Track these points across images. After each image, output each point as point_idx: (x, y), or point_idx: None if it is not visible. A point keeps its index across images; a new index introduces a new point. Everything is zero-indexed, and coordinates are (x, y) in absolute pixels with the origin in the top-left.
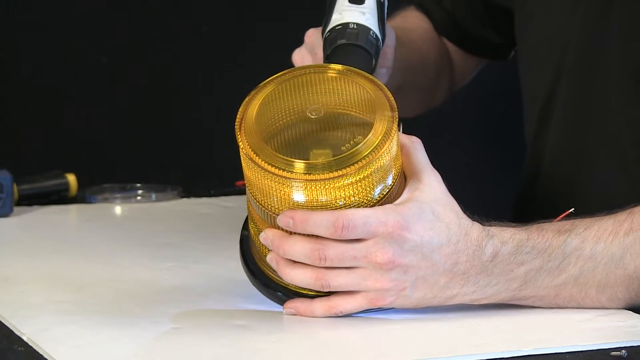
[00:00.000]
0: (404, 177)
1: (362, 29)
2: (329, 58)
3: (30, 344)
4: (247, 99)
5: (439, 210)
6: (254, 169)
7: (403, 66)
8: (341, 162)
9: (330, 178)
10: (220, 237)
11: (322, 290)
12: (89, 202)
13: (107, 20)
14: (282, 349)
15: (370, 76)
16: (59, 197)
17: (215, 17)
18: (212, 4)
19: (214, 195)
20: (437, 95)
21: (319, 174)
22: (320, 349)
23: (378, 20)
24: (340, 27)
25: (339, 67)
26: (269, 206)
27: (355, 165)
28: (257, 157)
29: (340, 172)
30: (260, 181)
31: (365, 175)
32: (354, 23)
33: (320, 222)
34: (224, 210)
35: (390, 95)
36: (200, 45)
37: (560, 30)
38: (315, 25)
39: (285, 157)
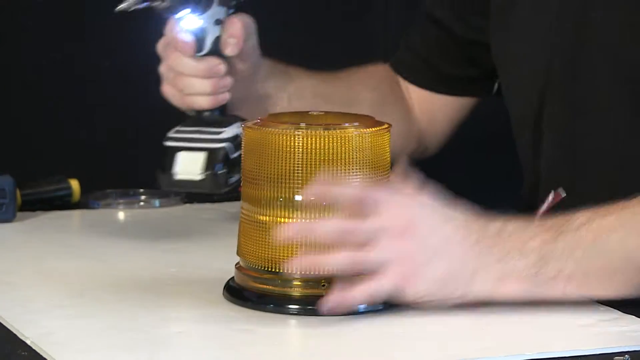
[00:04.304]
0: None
1: None
2: None
3: (33, 347)
4: None
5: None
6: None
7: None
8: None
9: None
10: (223, 242)
11: (357, 269)
12: (92, 208)
13: (109, 23)
14: (285, 354)
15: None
16: (62, 202)
17: None
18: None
19: (217, 201)
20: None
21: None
22: (323, 354)
23: None
24: None
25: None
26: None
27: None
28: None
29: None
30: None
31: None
32: None
33: (346, 191)
34: (227, 215)
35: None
36: None
37: (540, 53)
38: (317, 29)
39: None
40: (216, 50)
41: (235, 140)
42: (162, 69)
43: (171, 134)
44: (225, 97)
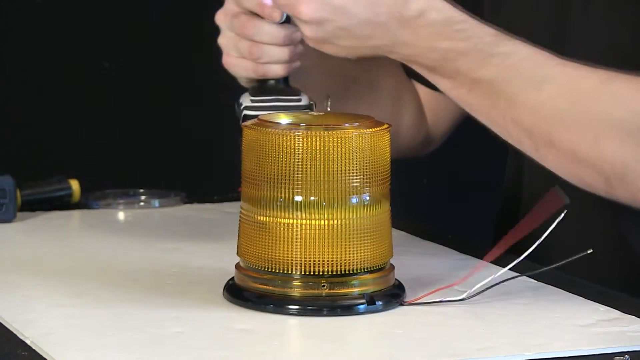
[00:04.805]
0: None
1: None
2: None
3: (33, 347)
4: None
5: None
6: None
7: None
8: None
9: None
10: (223, 242)
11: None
12: (92, 208)
13: (108, 24)
14: (285, 354)
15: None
16: (62, 202)
17: None
18: (215, 4)
19: (217, 201)
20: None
21: None
22: (324, 354)
23: None
24: None
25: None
26: None
27: None
28: None
29: None
30: None
31: None
32: None
33: None
34: (227, 215)
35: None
36: (204, 49)
37: None
38: None
39: None
40: (288, 18)
41: (312, 109)
42: (226, 40)
43: (247, 104)
44: (297, 65)
